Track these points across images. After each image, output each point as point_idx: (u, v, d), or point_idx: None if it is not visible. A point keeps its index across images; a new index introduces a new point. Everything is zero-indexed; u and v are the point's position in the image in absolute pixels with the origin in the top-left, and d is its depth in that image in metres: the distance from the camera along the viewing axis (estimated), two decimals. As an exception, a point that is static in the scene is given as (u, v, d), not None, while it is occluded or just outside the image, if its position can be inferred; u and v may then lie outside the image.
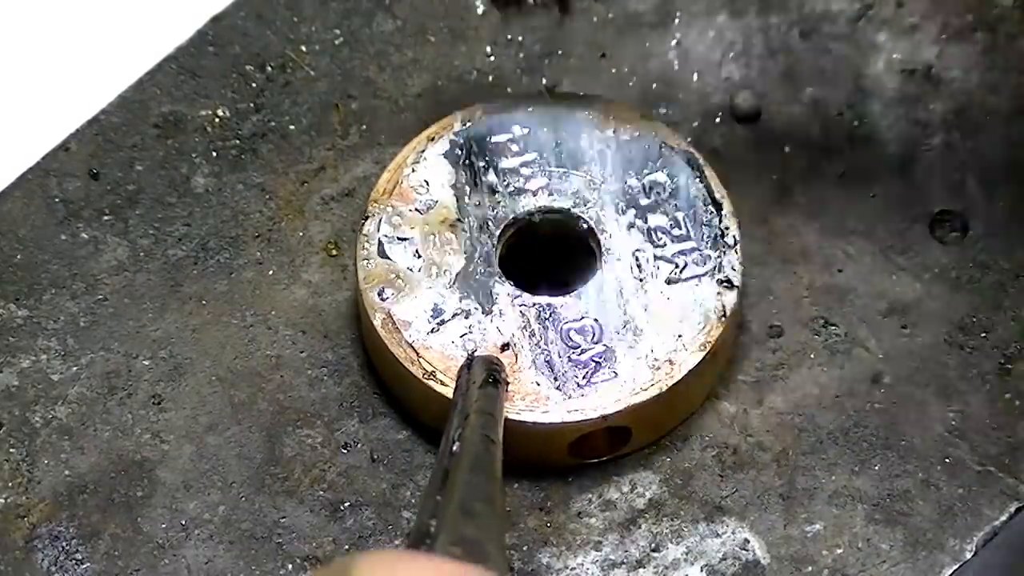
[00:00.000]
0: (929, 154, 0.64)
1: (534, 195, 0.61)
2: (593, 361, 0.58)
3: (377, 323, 0.59)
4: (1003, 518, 0.58)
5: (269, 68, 0.66)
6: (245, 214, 0.64)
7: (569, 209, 0.61)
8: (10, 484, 0.59)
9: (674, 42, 0.66)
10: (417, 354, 0.58)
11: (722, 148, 0.64)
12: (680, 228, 0.60)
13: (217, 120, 0.65)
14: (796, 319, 0.62)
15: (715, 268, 0.59)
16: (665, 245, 0.60)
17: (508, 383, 0.58)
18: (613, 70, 0.66)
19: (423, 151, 0.61)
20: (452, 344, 0.58)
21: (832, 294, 0.62)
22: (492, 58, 0.66)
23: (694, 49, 0.66)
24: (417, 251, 0.60)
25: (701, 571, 0.58)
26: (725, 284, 0.59)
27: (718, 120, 0.65)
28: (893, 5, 0.66)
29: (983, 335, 0.61)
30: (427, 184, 0.61)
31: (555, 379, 0.58)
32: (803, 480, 0.59)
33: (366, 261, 0.60)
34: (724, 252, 0.60)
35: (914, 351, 0.61)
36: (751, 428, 0.60)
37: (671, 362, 0.58)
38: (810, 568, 0.58)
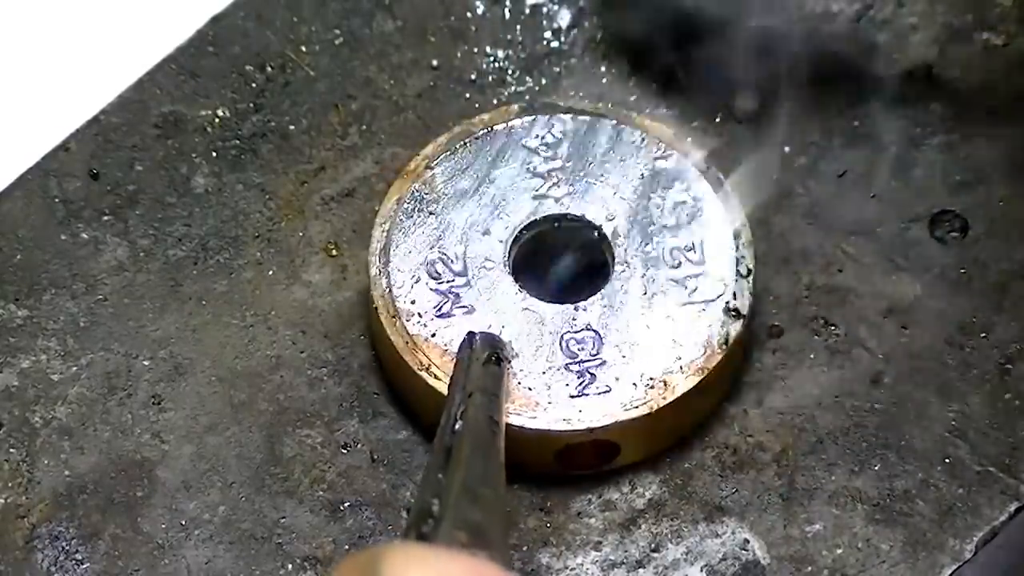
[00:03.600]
0: (929, 154, 0.64)
1: (556, 201, 0.61)
2: (588, 373, 0.58)
3: (381, 311, 0.59)
4: (1003, 518, 0.58)
5: (269, 68, 0.66)
6: (245, 214, 0.64)
7: (588, 219, 0.61)
8: (10, 484, 0.59)
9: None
10: (416, 345, 0.58)
11: (722, 148, 0.64)
12: (696, 252, 0.60)
13: (217, 120, 0.65)
14: (796, 319, 0.62)
15: (724, 296, 0.59)
16: (679, 266, 0.60)
17: (511, 362, 0.58)
18: (613, 70, 0.66)
19: (455, 144, 0.61)
20: (452, 340, 0.58)
21: (832, 294, 0.62)
22: (492, 58, 0.66)
23: (694, 49, 0.66)
24: (431, 243, 0.60)
25: (701, 571, 0.58)
26: (732, 313, 0.59)
27: (718, 120, 0.65)
28: (893, 5, 0.66)
29: (983, 335, 0.61)
30: (453, 177, 0.61)
31: (548, 387, 0.58)
32: (803, 480, 0.59)
33: (379, 247, 0.60)
34: (736, 280, 0.59)
35: (914, 351, 0.61)
36: (751, 428, 0.60)
37: (666, 383, 0.58)
38: (810, 568, 0.58)
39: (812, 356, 0.61)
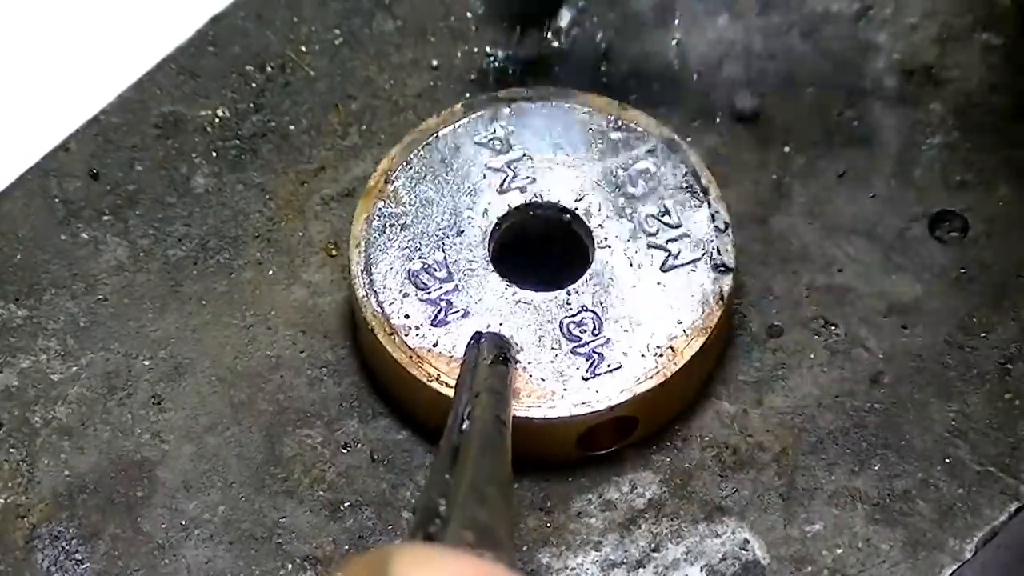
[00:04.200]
0: (929, 154, 0.64)
1: (521, 192, 0.61)
2: (595, 353, 0.58)
3: (377, 330, 0.59)
4: (1003, 518, 0.58)
5: (269, 68, 0.66)
6: (245, 214, 0.64)
7: (558, 203, 0.61)
8: (10, 484, 0.59)
9: (674, 42, 0.66)
10: (420, 358, 0.58)
11: (722, 148, 0.64)
12: (670, 215, 0.60)
13: (217, 120, 0.65)
14: (796, 319, 0.62)
15: (708, 253, 0.60)
16: (657, 232, 0.60)
17: (518, 361, 0.58)
18: (613, 70, 0.66)
19: (408, 154, 0.61)
20: (455, 346, 0.58)
21: (832, 294, 0.62)
22: (492, 58, 0.66)
23: (694, 49, 0.66)
24: (411, 255, 0.60)
25: (701, 571, 0.58)
26: (720, 268, 0.59)
27: (718, 120, 0.65)
28: (893, 5, 0.66)
29: (983, 335, 0.61)
30: (415, 187, 0.61)
31: (559, 374, 0.58)
32: (803, 480, 0.59)
33: (360, 267, 0.60)
34: (716, 236, 0.60)
35: (914, 351, 0.61)
36: (751, 428, 0.60)
37: (673, 349, 0.58)
38: (810, 568, 0.58)
39: (812, 356, 0.61)
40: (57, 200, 0.64)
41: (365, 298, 0.59)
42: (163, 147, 0.65)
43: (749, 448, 0.60)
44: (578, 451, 0.59)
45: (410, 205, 0.61)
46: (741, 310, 0.62)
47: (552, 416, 0.58)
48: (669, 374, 0.58)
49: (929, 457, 0.59)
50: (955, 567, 0.58)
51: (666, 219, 0.60)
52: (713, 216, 0.60)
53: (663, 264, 0.60)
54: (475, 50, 0.66)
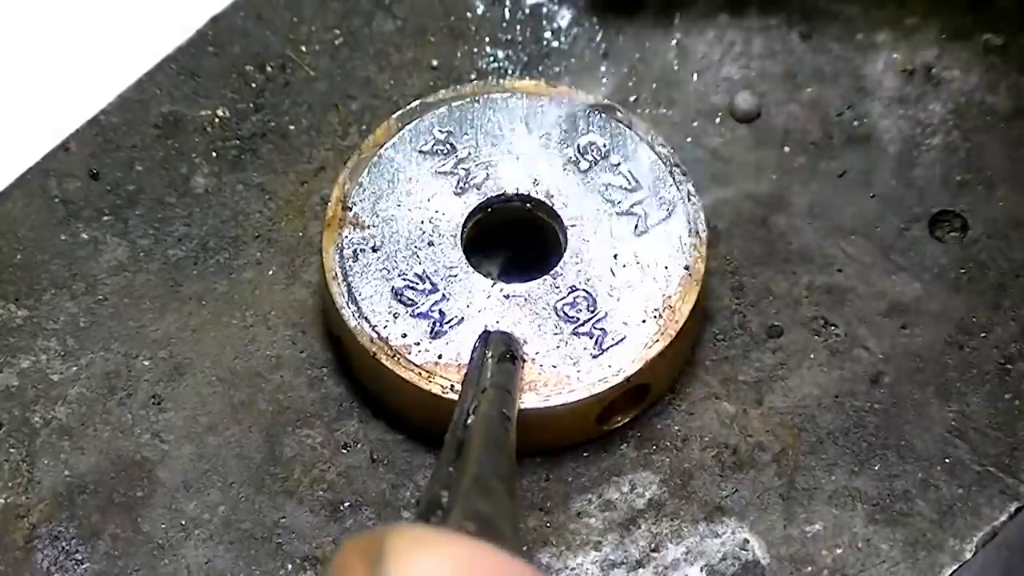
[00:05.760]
0: (929, 154, 0.64)
1: (478, 189, 0.61)
2: (597, 329, 0.58)
3: (379, 355, 0.58)
4: (1003, 518, 0.58)
5: (269, 68, 0.66)
6: (245, 214, 0.64)
7: (518, 192, 0.61)
8: (10, 484, 0.59)
9: (674, 42, 0.66)
10: (430, 372, 0.58)
11: (722, 148, 0.64)
12: (629, 180, 0.60)
13: (217, 120, 0.65)
14: (796, 319, 0.62)
15: (677, 208, 0.60)
16: (621, 200, 0.60)
17: (525, 359, 0.58)
18: (613, 70, 0.66)
19: (358, 177, 0.61)
20: (459, 352, 0.58)
21: (832, 294, 0.62)
22: (492, 58, 0.66)
23: (694, 49, 0.66)
24: (389, 275, 0.59)
25: (701, 571, 0.58)
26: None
27: (718, 120, 0.65)
28: (893, 5, 0.66)
29: (983, 335, 0.61)
30: (374, 208, 0.61)
31: (568, 357, 0.58)
32: (803, 480, 0.59)
33: (343, 299, 0.59)
34: (678, 189, 0.60)
35: (914, 351, 0.61)
36: (751, 428, 0.60)
37: (671, 308, 0.58)
38: (810, 568, 0.58)
39: (812, 356, 0.61)
40: (57, 200, 0.64)
41: (358, 327, 0.59)
42: (163, 147, 0.65)
43: (749, 448, 0.60)
44: (597, 428, 0.59)
45: (375, 227, 0.60)
46: (741, 310, 0.62)
47: (573, 400, 0.58)
48: (674, 333, 0.58)
49: (929, 457, 0.59)
50: (955, 567, 0.58)
51: (625, 185, 0.60)
52: (672, 173, 0.60)
53: (635, 228, 0.60)
54: (475, 50, 0.66)
